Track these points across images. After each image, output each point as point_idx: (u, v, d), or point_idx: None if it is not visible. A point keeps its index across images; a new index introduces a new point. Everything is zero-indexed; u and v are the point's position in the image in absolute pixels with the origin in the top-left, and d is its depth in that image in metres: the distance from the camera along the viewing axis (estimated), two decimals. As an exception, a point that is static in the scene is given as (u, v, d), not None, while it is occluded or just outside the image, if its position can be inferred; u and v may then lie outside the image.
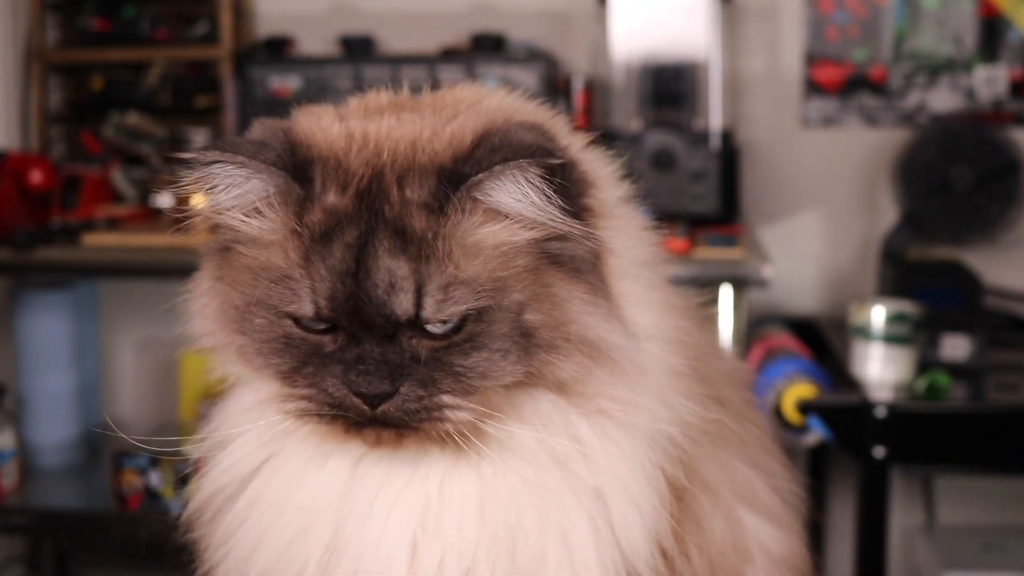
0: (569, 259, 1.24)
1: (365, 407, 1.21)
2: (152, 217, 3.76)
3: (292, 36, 4.00)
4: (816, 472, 3.81)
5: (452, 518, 1.27)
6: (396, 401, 1.20)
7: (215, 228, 1.30)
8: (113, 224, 3.59)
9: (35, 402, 3.85)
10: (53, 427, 3.85)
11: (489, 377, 1.22)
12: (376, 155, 1.24)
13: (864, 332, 3.04)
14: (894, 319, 3.02)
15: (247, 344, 1.27)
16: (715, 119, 3.61)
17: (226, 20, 4.02)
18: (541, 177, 1.19)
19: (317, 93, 3.78)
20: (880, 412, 2.90)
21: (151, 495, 3.46)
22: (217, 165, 1.23)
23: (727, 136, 3.63)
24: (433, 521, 1.27)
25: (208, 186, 1.24)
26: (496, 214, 1.21)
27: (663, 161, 3.49)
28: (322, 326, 1.22)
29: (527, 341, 1.22)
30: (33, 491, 3.68)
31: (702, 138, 3.58)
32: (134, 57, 4.09)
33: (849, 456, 3.08)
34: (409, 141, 1.24)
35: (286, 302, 1.21)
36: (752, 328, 3.44)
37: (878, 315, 3.03)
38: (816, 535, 3.71)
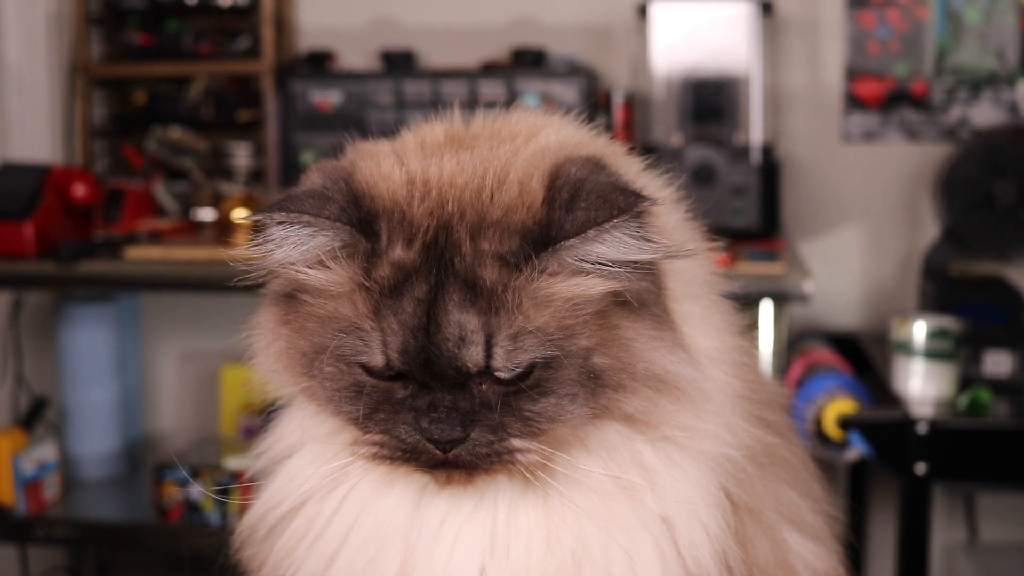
0: (635, 296, 1.24)
1: (437, 452, 1.22)
2: (194, 231, 3.78)
3: (333, 51, 4.01)
4: (857, 488, 3.79)
5: (519, 545, 1.27)
6: (467, 446, 1.21)
7: (277, 276, 1.30)
8: (155, 238, 3.62)
9: (77, 414, 3.88)
10: (95, 439, 3.88)
11: (557, 421, 1.22)
12: (440, 205, 1.23)
13: (906, 348, 3.03)
14: (936, 335, 3.00)
15: (316, 388, 1.27)
16: (756, 134, 3.60)
17: (268, 35, 4.05)
18: (634, 227, 1.19)
19: (358, 108, 3.80)
20: (922, 428, 2.88)
21: (192, 507, 3.48)
22: (282, 226, 1.23)
23: (768, 151, 3.62)
24: (501, 547, 1.27)
25: (275, 245, 1.24)
26: (579, 271, 1.21)
27: (703, 176, 3.49)
28: (391, 375, 1.22)
29: (595, 384, 1.22)
30: (75, 503, 3.70)
31: (743, 153, 3.57)
32: (177, 71, 4.11)
33: (890, 472, 3.06)
34: (474, 190, 1.24)
35: (357, 352, 1.22)
36: (793, 343, 3.43)
37: (920, 331, 3.01)
38: (857, 552, 3.69)
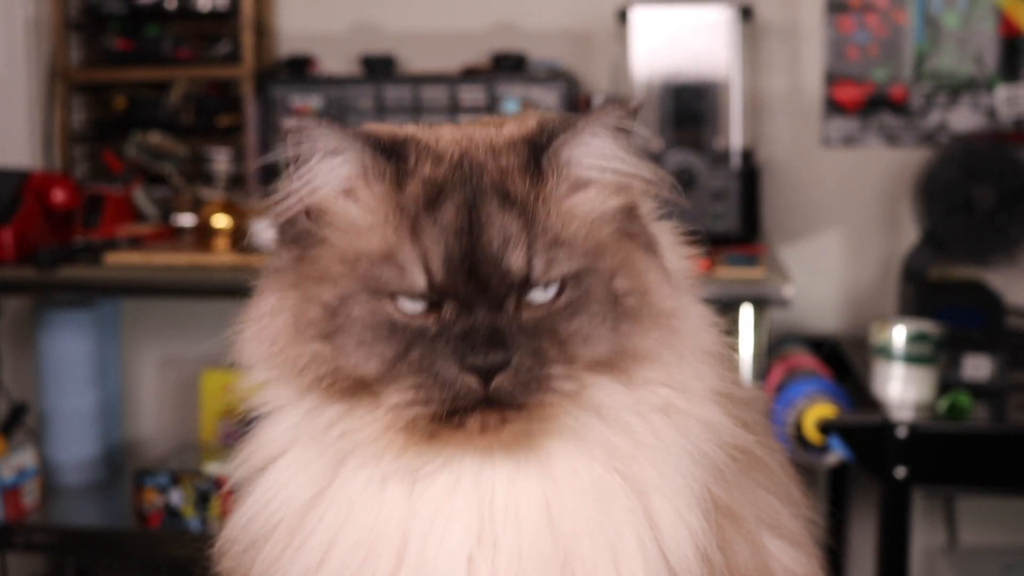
0: (643, 237, 1.31)
1: (477, 386, 1.21)
2: (174, 236, 3.77)
3: (314, 56, 4.01)
4: (837, 492, 3.79)
5: (508, 531, 1.26)
6: (508, 374, 1.21)
7: (289, 227, 1.30)
8: (135, 243, 3.61)
9: (57, 420, 3.86)
10: (74, 445, 3.86)
11: (590, 342, 1.24)
12: (457, 141, 1.29)
13: (885, 352, 3.04)
14: (915, 339, 3.01)
15: (338, 343, 1.25)
16: (736, 138, 3.61)
17: (248, 40, 4.04)
18: (621, 125, 1.28)
19: (338, 113, 3.79)
20: (901, 432, 2.89)
21: (172, 513, 3.47)
22: (312, 146, 1.26)
23: (748, 155, 3.63)
24: (488, 534, 1.27)
25: (303, 160, 1.27)
26: (584, 183, 1.28)
27: (683, 180, 3.50)
28: (424, 307, 1.23)
29: (617, 309, 1.26)
30: (54, 509, 3.69)
31: (723, 157, 3.58)
32: (156, 76, 4.11)
33: (870, 476, 3.07)
34: (482, 131, 1.32)
35: (393, 281, 1.23)
36: (773, 348, 3.44)
37: (899, 335, 3.02)
38: (837, 556, 3.69)
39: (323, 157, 1.26)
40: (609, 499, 1.27)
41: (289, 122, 1.26)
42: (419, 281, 1.22)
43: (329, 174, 1.27)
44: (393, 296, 1.23)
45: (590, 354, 1.25)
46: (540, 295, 1.24)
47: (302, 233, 1.30)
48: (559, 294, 1.25)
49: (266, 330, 1.30)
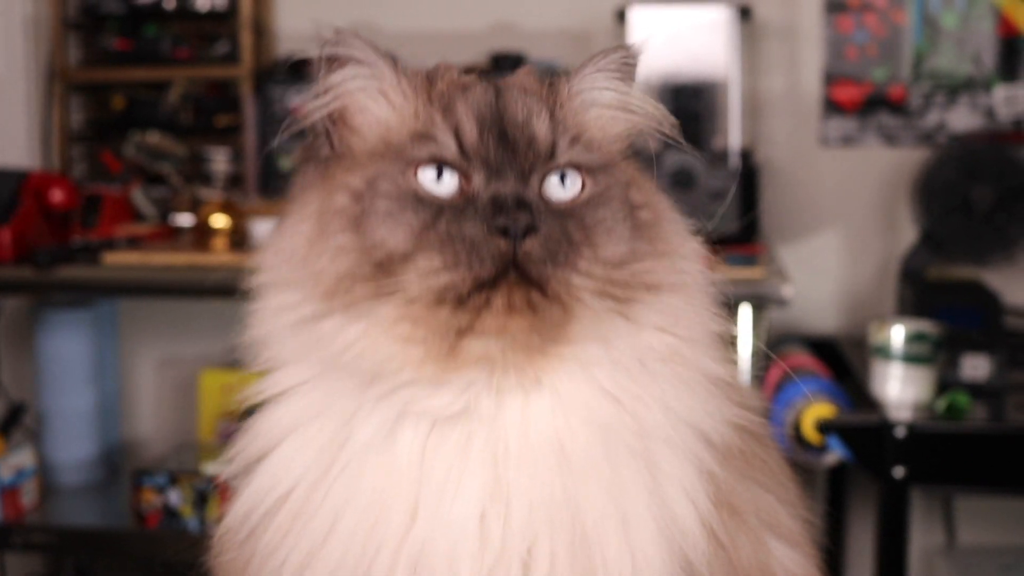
0: (651, 173, 1.40)
1: (506, 247, 1.21)
2: (172, 236, 3.76)
3: (312, 56, 4.00)
4: (836, 492, 3.80)
5: (520, 483, 1.25)
6: (538, 240, 1.22)
7: (316, 138, 1.38)
8: (133, 243, 3.60)
9: (55, 420, 3.86)
10: (73, 445, 3.86)
11: (613, 235, 1.27)
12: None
13: (884, 352, 3.04)
14: (914, 339, 3.01)
15: (361, 233, 1.25)
16: (734, 138, 3.61)
17: (246, 40, 4.04)
18: (626, 62, 1.40)
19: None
20: (900, 432, 2.89)
21: (170, 513, 3.47)
22: (352, 42, 1.36)
23: (746, 155, 3.63)
24: (501, 490, 1.25)
25: (339, 64, 1.37)
26: (593, 103, 1.38)
27: (682, 180, 3.49)
28: (455, 182, 1.26)
29: (633, 217, 1.30)
30: (52, 509, 3.68)
31: (721, 157, 3.58)
32: (155, 76, 4.11)
33: (869, 476, 3.07)
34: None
35: (424, 151, 1.27)
36: (771, 348, 3.44)
37: (898, 335, 3.02)
38: (836, 556, 3.69)
39: (358, 64, 1.35)
40: (618, 447, 1.27)
41: (329, 30, 1.37)
42: (450, 145, 1.26)
43: (363, 79, 1.34)
44: (423, 167, 1.26)
45: (612, 248, 1.26)
46: (563, 191, 1.28)
47: (329, 141, 1.36)
48: (581, 191, 1.29)
49: (287, 242, 1.31)
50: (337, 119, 1.35)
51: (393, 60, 1.34)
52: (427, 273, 1.21)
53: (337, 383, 1.30)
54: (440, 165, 1.26)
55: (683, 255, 1.34)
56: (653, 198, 1.35)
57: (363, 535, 1.26)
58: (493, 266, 1.20)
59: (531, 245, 1.21)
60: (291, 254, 1.29)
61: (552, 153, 1.28)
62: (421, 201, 1.24)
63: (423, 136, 1.27)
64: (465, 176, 1.25)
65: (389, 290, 1.22)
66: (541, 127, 1.29)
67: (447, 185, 1.25)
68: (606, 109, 1.38)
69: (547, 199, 1.26)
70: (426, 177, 1.25)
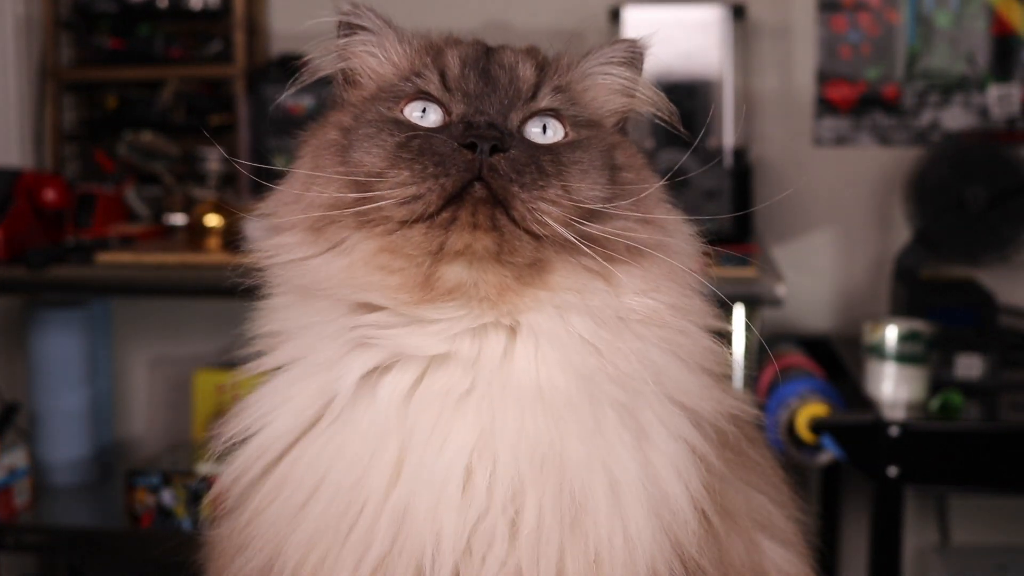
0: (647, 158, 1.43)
1: (472, 159, 1.24)
2: (165, 235, 3.76)
3: (305, 54, 3.99)
4: (829, 491, 3.79)
5: (505, 438, 1.26)
6: (507, 158, 1.25)
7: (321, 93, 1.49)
8: (127, 242, 3.60)
9: (48, 420, 3.86)
10: (66, 445, 3.86)
11: (588, 178, 1.30)
12: None
13: (877, 351, 3.04)
14: (907, 338, 3.01)
15: (348, 162, 1.31)
16: (728, 137, 3.60)
17: (239, 39, 4.03)
18: (632, 52, 1.46)
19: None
20: (893, 431, 2.89)
21: (163, 513, 3.46)
22: (363, 13, 1.44)
23: (740, 155, 3.63)
24: (487, 444, 1.26)
25: (352, 30, 1.45)
26: (590, 76, 1.44)
27: (675, 179, 3.48)
28: (437, 115, 1.32)
29: (613, 173, 1.33)
30: (46, 509, 3.68)
31: (715, 157, 3.57)
32: (148, 76, 4.10)
33: (862, 475, 3.07)
34: None
35: (409, 87, 1.35)
36: (765, 347, 3.43)
37: (891, 334, 3.02)
38: (829, 555, 3.69)
39: (367, 32, 1.43)
40: (600, 398, 1.28)
41: (346, 2, 1.43)
42: (434, 80, 1.34)
43: (370, 45, 1.43)
44: (409, 102, 1.34)
45: (585, 190, 1.28)
46: (543, 137, 1.32)
47: (332, 97, 1.46)
48: (563, 139, 1.33)
49: (286, 188, 1.39)
50: (346, 79, 1.45)
51: (400, 29, 1.43)
52: (396, 186, 1.25)
53: (320, 325, 1.33)
54: (424, 99, 1.32)
55: (668, 227, 1.37)
56: (638, 163, 1.40)
57: (346, 494, 1.28)
58: (459, 177, 1.24)
59: (498, 160, 1.24)
60: (289, 197, 1.37)
61: (534, 95, 1.33)
62: (400, 124, 1.31)
63: (411, 76, 1.35)
64: (447, 110, 1.31)
65: (368, 217, 1.27)
66: (526, 71, 1.35)
67: (431, 119, 1.32)
68: (604, 87, 1.43)
69: (525, 137, 1.31)
70: (412, 112, 1.33)
